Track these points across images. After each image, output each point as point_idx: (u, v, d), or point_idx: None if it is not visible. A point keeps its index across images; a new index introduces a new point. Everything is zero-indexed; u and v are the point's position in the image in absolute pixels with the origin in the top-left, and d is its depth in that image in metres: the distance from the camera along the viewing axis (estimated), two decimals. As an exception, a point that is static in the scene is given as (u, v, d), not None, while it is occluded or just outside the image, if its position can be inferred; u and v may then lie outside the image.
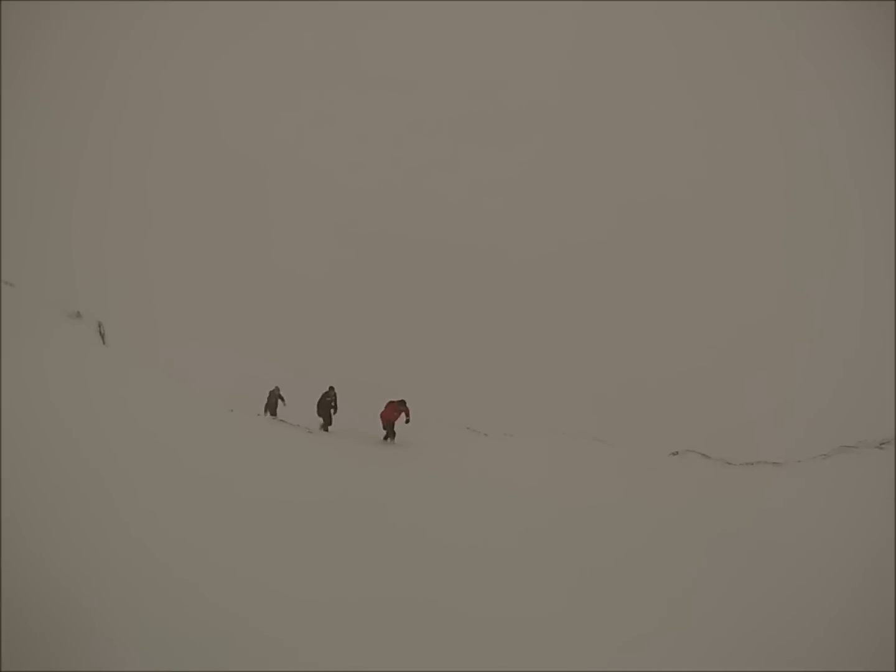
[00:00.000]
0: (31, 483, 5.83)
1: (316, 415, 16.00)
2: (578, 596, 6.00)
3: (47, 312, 9.66)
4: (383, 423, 14.96)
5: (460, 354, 30.12)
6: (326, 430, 15.90)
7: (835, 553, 6.84)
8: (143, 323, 22.61)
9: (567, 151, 40.15)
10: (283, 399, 17.46)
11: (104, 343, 10.06)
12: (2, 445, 5.59)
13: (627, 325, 31.95)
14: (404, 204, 38.11)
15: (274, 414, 16.83)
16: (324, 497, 7.78)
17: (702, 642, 5.12)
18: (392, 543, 7.25)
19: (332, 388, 16.46)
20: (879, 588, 5.52)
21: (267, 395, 17.38)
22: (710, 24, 39.37)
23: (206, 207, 35.35)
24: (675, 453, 12.57)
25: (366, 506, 7.92)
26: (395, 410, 14.88)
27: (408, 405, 15.01)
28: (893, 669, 4.24)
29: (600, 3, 39.25)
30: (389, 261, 35.72)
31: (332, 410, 16.13)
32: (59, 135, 33.83)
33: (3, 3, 28.08)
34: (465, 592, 6.10)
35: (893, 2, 28.68)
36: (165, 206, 34.81)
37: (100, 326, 10.02)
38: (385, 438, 15.10)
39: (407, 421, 14.98)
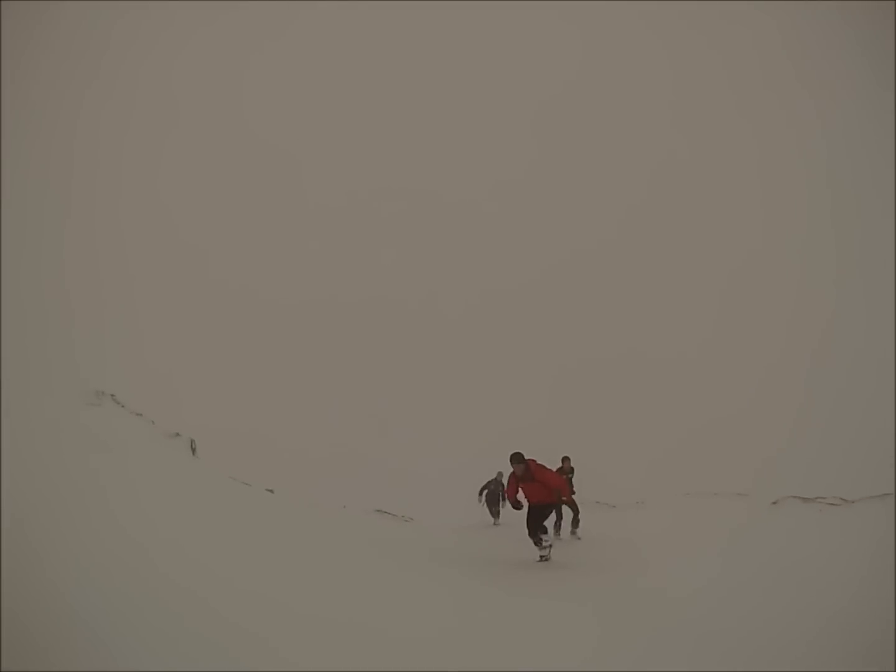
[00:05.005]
0: (33, 487, 5.90)
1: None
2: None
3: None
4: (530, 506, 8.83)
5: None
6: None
7: (833, 555, 6.88)
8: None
9: (559, 159, 40.25)
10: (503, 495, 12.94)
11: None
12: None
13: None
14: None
15: (496, 515, 14.05)
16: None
17: (699, 641, 5.12)
18: (395, 558, 7.24)
19: (500, 475, 13.51)
20: (879, 588, 5.52)
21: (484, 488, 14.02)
22: (714, 28, 39.54)
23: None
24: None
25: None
26: (538, 484, 8.67)
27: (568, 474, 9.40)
28: (893, 670, 4.22)
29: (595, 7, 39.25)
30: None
31: (501, 502, 13.57)
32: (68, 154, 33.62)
33: (2, 3, 28.05)
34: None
35: (893, 2, 28.67)
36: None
37: (192, 442, 11.62)
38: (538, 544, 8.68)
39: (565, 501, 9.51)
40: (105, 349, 24.75)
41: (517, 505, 8.88)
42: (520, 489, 8.80)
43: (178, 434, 11.57)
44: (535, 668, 4.54)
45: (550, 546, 8.75)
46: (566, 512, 11.93)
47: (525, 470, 8.59)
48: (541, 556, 8.65)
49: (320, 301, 32.87)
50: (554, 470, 9.16)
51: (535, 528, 8.71)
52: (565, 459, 12.19)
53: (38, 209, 31.57)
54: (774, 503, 12.70)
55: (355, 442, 22.97)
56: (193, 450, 11.58)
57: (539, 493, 8.70)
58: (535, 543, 8.72)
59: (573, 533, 11.95)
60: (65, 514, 5.69)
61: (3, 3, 27.92)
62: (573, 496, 11.95)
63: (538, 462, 8.82)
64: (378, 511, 13.51)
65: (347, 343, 31.77)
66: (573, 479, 12.29)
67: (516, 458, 8.64)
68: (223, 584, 5.25)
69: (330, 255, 36.00)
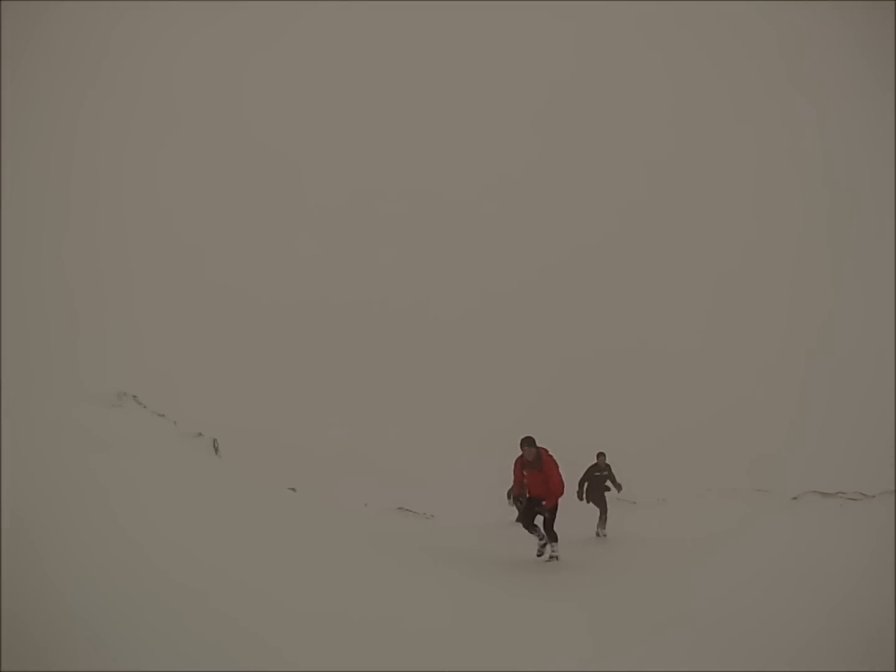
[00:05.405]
0: (33, 487, 5.90)
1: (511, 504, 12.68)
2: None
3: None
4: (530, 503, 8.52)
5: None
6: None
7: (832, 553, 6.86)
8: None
9: (558, 158, 40.28)
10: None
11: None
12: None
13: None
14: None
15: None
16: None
17: (699, 639, 5.10)
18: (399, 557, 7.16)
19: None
20: (879, 587, 5.50)
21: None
22: (716, 27, 39.59)
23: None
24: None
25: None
26: (543, 477, 8.25)
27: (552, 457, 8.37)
28: (893, 670, 4.21)
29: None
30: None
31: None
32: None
33: (2, 3, 28.05)
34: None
35: (893, 1, 28.64)
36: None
37: (214, 442, 11.92)
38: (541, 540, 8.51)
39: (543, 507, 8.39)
40: (123, 352, 24.77)
41: (522, 499, 8.65)
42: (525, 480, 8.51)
43: (200, 434, 11.69)
44: (536, 668, 4.53)
45: (550, 550, 8.53)
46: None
47: (535, 456, 8.28)
48: (551, 557, 8.47)
49: (336, 301, 32.95)
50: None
51: (530, 524, 8.52)
52: (600, 455, 11.92)
53: (39, 210, 31.56)
54: (795, 498, 12.70)
55: (371, 441, 23.04)
56: (216, 449, 11.71)
57: (540, 487, 8.37)
58: (541, 539, 8.58)
59: (599, 534, 11.79)
60: (65, 515, 5.68)
61: (3, 3, 27.92)
62: (619, 489, 12.15)
63: (550, 454, 8.46)
64: (399, 509, 13.44)
65: (354, 343, 31.78)
66: (614, 474, 12.10)
67: (528, 441, 8.29)
68: (226, 583, 5.23)
69: (343, 255, 36.04)
